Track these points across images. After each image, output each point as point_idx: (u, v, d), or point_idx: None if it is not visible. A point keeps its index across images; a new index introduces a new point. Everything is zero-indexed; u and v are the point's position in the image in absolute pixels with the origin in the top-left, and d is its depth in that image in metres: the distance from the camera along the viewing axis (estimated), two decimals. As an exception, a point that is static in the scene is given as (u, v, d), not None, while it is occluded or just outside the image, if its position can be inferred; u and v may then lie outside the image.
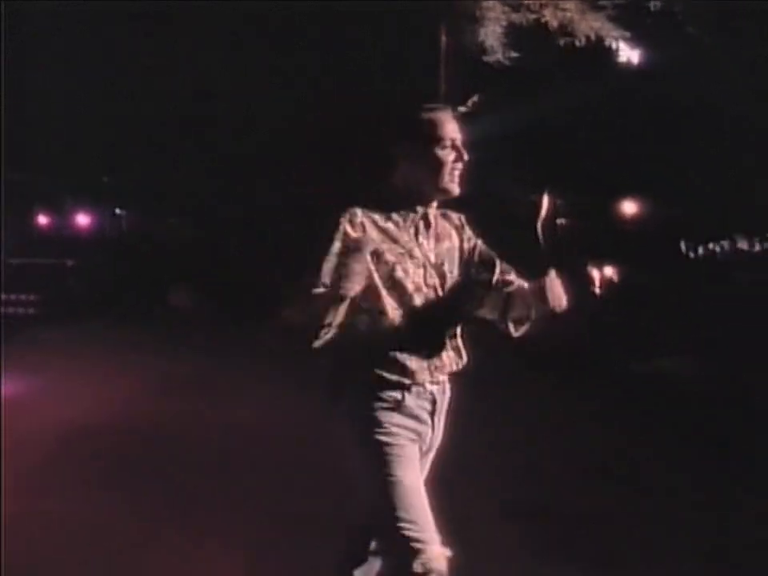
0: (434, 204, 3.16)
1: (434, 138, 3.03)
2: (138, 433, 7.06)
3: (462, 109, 18.89)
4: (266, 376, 9.46)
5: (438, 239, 3.15)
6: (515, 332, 3.26)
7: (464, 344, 3.21)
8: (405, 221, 3.06)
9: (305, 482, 5.81)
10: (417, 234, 3.08)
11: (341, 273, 2.86)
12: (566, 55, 17.46)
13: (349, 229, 2.97)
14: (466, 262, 3.24)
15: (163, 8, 15.11)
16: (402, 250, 3.05)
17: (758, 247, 19.07)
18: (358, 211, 3.00)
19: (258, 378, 9.39)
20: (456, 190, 3.11)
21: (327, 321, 2.90)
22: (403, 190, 3.06)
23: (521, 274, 3.31)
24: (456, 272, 3.20)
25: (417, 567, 2.92)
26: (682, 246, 18.84)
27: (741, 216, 20.78)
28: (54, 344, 11.35)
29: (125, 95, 15.77)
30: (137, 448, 6.61)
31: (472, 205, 3.30)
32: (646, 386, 8.71)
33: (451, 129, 3.06)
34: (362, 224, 3.00)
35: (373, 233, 3.00)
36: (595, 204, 23.59)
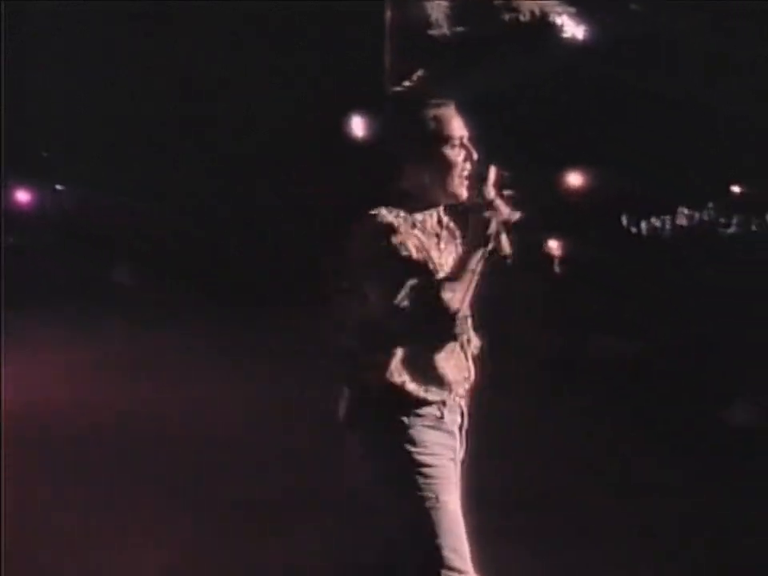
0: (442, 207, 3.04)
1: (441, 136, 2.84)
2: (80, 413, 6.99)
3: (406, 84, 18.97)
4: (214, 354, 9.45)
5: (448, 243, 3.03)
6: None
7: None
8: (425, 225, 2.96)
9: (259, 461, 5.82)
10: (438, 238, 2.98)
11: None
12: (511, 30, 17.44)
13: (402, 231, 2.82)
14: None
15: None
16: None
17: (700, 222, 19.25)
18: (392, 214, 2.86)
19: (206, 357, 9.37)
20: (465, 192, 2.98)
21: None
22: (412, 194, 2.95)
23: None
24: None
25: None
26: (624, 220, 18.95)
27: (684, 191, 20.98)
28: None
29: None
30: (81, 429, 6.56)
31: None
32: (587, 368, 8.79)
33: (458, 126, 2.95)
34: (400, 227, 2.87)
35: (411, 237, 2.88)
36: (541, 176, 23.72)
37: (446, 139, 2.91)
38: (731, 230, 17.21)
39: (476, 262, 2.89)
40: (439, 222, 2.96)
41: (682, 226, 17.64)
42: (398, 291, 2.81)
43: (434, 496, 2.80)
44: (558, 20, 17.50)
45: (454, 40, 17.77)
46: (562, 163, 24.90)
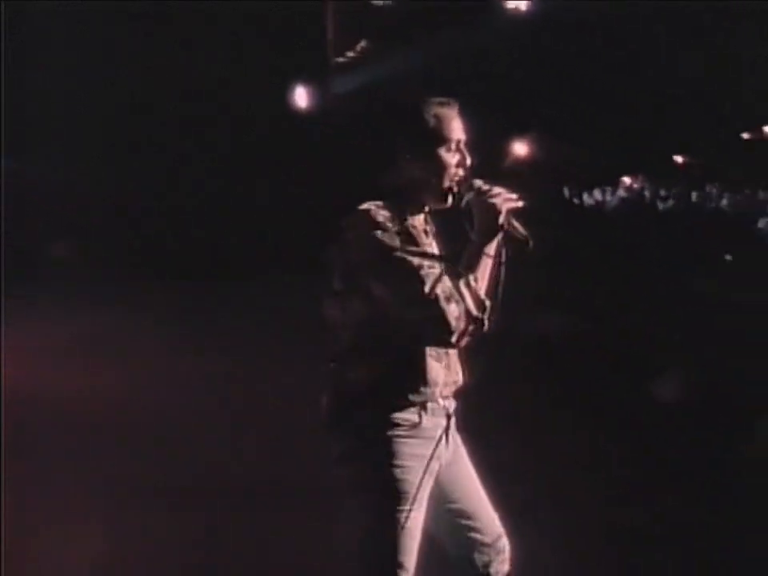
0: (428, 207, 2.90)
1: (440, 136, 2.77)
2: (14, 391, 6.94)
3: (350, 55, 18.89)
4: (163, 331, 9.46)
5: (434, 241, 2.91)
6: None
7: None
8: (414, 222, 2.80)
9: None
10: (426, 235, 2.84)
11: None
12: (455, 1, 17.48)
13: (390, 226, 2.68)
14: None
15: None
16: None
17: (644, 193, 19.49)
18: (383, 209, 2.74)
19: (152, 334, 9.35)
20: (452, 196, 2.77)
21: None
22: (403, 190, 2.79)
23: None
24: None
25: None
26: (565, 191, 19.12)
27: (627, 161, 21.23)
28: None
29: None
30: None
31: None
32: (531, 347, 8.80)
33: (458, 128, 2.80)
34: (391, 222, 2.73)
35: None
36: (489, 142, 23.80)
37: (444, 140, 2.75)
38: (670, 201, 17.44)
39: (494, 250, 2.79)
40: (425, 220, 2.85)
41: (622, 198, 17.85)
42: (416, 283, 2.64)
43: (394, 510, 2.76)
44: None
45: (397, 11, 17.74)
46: (506, 133, 25.05)
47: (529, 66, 21.87)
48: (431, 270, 2.67)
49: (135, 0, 15.08)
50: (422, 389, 2.77)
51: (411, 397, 2.77)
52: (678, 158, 23.36)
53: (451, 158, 2.78)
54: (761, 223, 12.90)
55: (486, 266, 2.76)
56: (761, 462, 5.53)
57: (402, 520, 2.75)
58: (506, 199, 2.74)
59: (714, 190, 17.37)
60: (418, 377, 2.77)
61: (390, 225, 2.69)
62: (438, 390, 2.81)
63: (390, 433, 2.75)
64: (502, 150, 24.25)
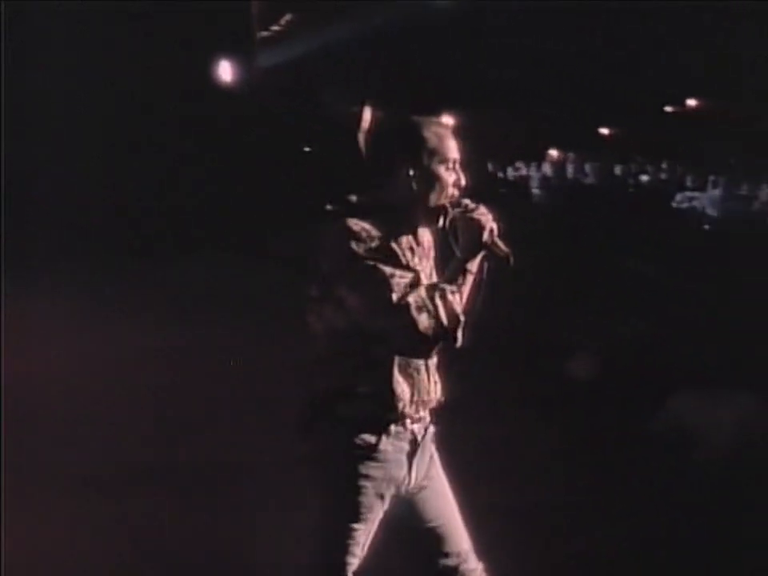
0: (420, 224, 2.85)
1: (439, 155, 2.82)
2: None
3: (275, 28, 18.80)
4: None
5: (422, 259, 2.91)
6: None
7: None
8: (400, 238, 2.81)
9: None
10: (412, 253, 2.83)
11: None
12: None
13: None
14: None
15: None
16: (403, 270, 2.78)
17: (569, 167, 19.68)
18: (363, 222, 2.76)
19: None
20: (443, 216, 2.83)
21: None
22: (395, 206, 2.83)
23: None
24: None
25: None
26: (489, 166, 19.25)
27: (553, 135, 21.44)
28: None
29: None
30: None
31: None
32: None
33: (454, 147, 2.85)
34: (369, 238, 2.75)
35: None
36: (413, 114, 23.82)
37: (443, 158, 2.80)
38: (594, 175, 17.64)
39: (476, 267, 2.83)
40: (415, 238, 2.86)
41: (548, 172, 18.01)
42: (386, 291, 2.67)
43: (342, 522, 2.81)
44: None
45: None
46: (437, 103, 25.13)
47: (455, 39, 21.93)
48: (402, 279, 2.70)
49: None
50: (387, 406, 2.80)
51: (374, 414, 2.78)
52: (604, 131, 23.67)
53: (449, 177, 2.83)
54: (678, 197, 13.14)
55: (466, 282, 2.81)
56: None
57: (347, 533, 2.80)
58: (490, 216, 2.81)
59: (636, 165, 17.64)
60: (383, 392, 2.79)
61: (367, 237, 2.73)
62: (404, 410, 2.81)
63: (347, 450, 2.78)
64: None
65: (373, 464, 2.79)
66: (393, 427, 2.80)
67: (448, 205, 2.83)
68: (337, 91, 22.34)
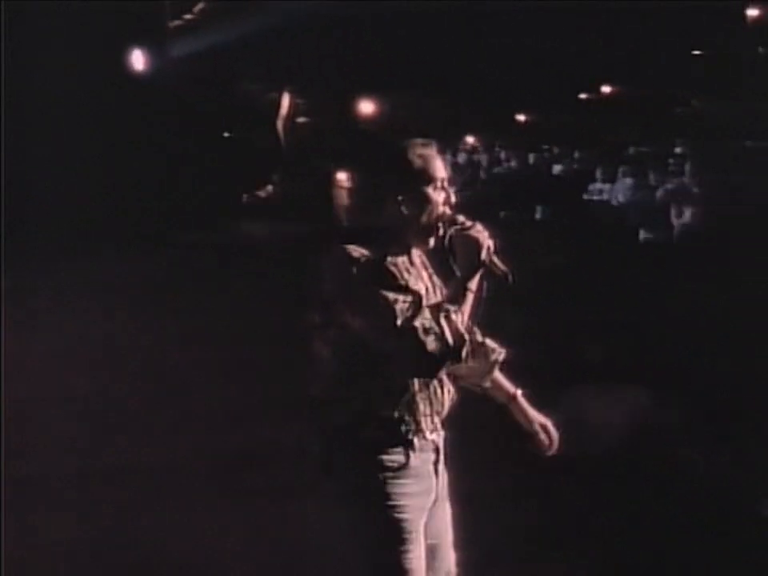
0: (414, 245, 2.91)
1: (427, 176, 2.86)
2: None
3: (187, 17, 18.61)
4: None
5: (418, 280, 2.86)
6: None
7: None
8: (395, 260, 2.85)
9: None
10: (408, 273, 2.87)
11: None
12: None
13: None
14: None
15: None
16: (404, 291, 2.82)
17: (483, 154, 19.75)
18: (362, 246, 2.79)
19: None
20: (436, 235, 2.89)
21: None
22: (387, 229, 2.87)
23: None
24: None
25: None
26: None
27: (469, 121, 21.53)
28: None
29: None
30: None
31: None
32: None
33: (440, 167, 2.90)
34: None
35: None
36: (333, 103, 23.80)
37: (430, 179, 2.85)
38: (508, 163, 17.76)
39: (476, 285, 2.84)
40: (409, 259, 2.90)
41: (458, 163, 18.06)
42: (391, 316, 2.70)
43: (397, 549, 2.81)
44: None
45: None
46: (356, 88, 25.10)
47: (373, 25, 21.91)
48: (406, 302, 2.72)
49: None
50: (409, 424, 2.83)
51: (398, 434, 2.82)
52: (521, 117, 23.83)
53: (438, 196, 2.86)
54: (591, 188, 13.27)
55: (467, 301, 2.83)
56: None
57: (404, 560, 2.80)
58: (486, 235, 2.84)
59: (550, 153, 17.78)
60: (406, 412, 2.83)
61: (366, 261, 2.75)
62: (424, 423, 2.86)
63: (380, 475, 2.80)
64: (348, 108, 24.32)
65: (409, 481, 2.83)
66: (416, 441, 2.84)
67: (440, 223, 2.87)
68: (254, 79, 22.22)
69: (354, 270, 2.75)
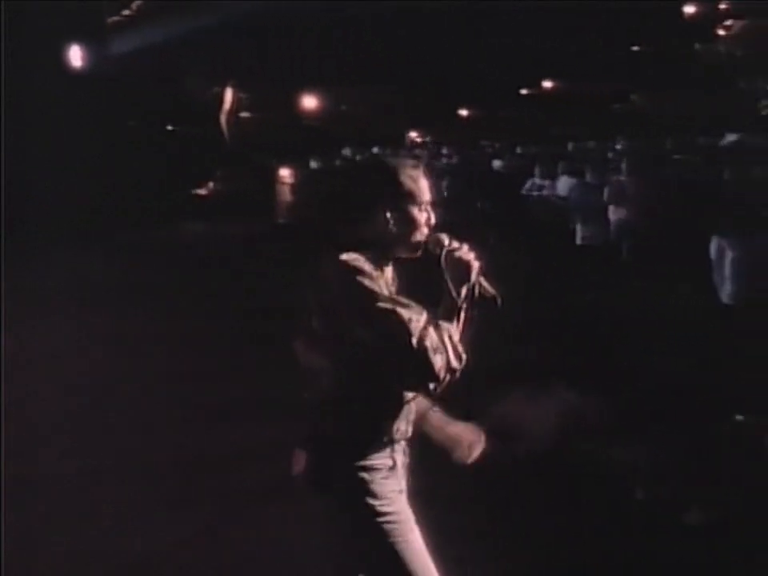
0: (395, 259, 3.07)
1: (414, 196, 3.01)
2: None
3: (126, 12, 18.41)
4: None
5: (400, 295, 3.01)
6: None
7: None
8: (387, 273, 3.02)
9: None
10: (389, 287, 3.02)
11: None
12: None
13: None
14: None
15: None
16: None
17: (425, 150, 19.78)
18: (362, 259, 2.93)
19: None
20: (419, 251, 3.04)
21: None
22: (375, 243, 3.01)
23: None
24: None
25: None
26: (348, 151, 19.30)
27: (411, 117, 21.57)
28: None
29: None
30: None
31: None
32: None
33: (426, 190, 3.05)
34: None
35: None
36: (276, 98, 23.71)
37: (418, 200, 3.01)
38: (448, 159, 17.78)
39: (467, 305, 3.00)
40: (389, 273, 3.06)
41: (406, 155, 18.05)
42: (405, 335, 2.83)
43: (401, 539, 3.00)
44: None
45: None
46: (299, 83, 25.03)
47: (316, 21, 21.86)
48: (418, 322, 2.85)
49: None
50: (396, 431, 3.02)
51: (386, 440, 3.00)
52: (463, 112, 23.89)
53: (422, 217, 3.01)
54: (527, 184, 13.29)
55: (461, 320, 2.98)
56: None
57: (410, 544, 2.99)
58: (473, 256, 3.00)
59: (491, 148, 17.83)
60: (396, 420, 3.01)
61: (374, 273, 2.89)
62: (402, 433, 3.05)
63: (375, 477, 2.98)
64: (289, 104, 24.26)
65: (393, 481, 3.04)
66: (396, 445, 3.05)
67: (422, 241, 3.02)
68: (196, 74, 22.06)
69: (366, 282, 2.87)
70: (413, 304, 2.91)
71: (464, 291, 2.98)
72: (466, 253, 3.00)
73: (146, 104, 18.88)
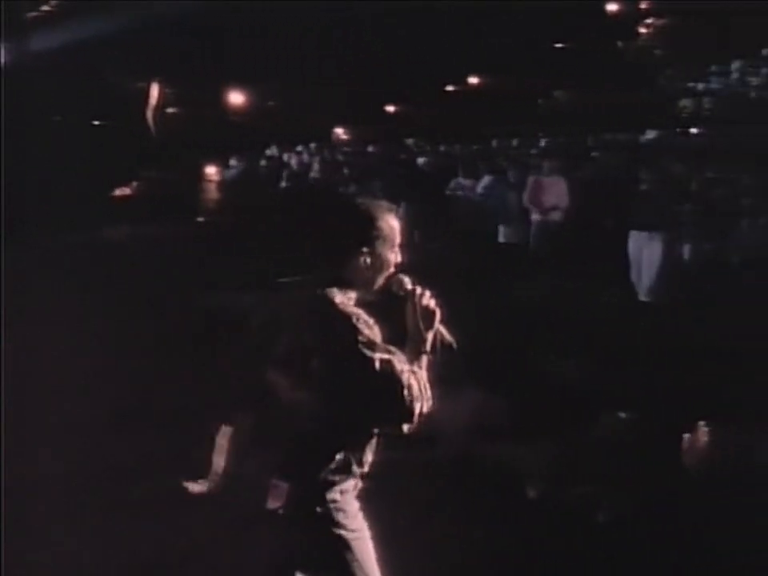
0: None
1: (390, 241, 3.12)
2: None
3: (44, 8, 18.14)
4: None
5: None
6: None
7: None
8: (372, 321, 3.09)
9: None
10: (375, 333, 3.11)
11: None
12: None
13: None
14: None
15: None
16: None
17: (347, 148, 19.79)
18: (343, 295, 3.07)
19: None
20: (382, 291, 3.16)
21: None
22: (352, 282, 3.11)
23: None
24: None
25: None
26: (274, 150, 19.27)
27: (337, 113, 21.55)
28: None
29: None
30: None
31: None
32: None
33: (399, 232, 3.15)
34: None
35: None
36: (203, 94, 23.55)
37: (392, 245, 3.13)
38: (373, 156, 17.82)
39: (430, 349, 3.15)
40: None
41: (325, 158, 18.04)
42: (401, 389, 2.98)
43: (360, 552, 3.17)
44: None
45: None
46: (224, 79, 24.86)
47: (241, 17, 21.74)
48: (406, 372, 3.00)
49: None
50: (365, 462, 3.16)
51: (354, 469, 3.14)
52: (389, 108, 23.92)
53: (394, 258, 3.15)
54: (453, 183, 13.37)
55: (425, 362, 3.12)
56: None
57: (368, 555, 3.18)
58: (434, 302, 3.12)
59: (416, 146, 17.91)
60: (365, 452, 3.15)
61: (369, 320, 3.02)
62: (370, 460, 3.18)
63: (341, 498, 3.13)
64: (216, 100, 24.10)
65: (357, 501, 3.19)
66: (361, 471, 3.18)
67: (399, 288, 3.14)
68: (120, 70, 21.82)
69: (365, 333, 3.00)
70: (398, 351, 3.05)
71: (429, 337, 3.11)
72: (429, 299, 3.11)
73: (70, 99, 18.64)
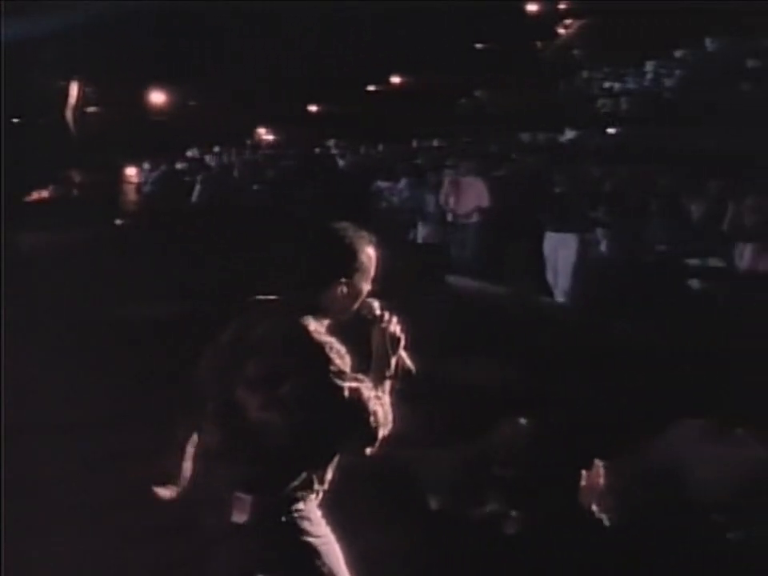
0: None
1: (367, 273, 3.17)
2: None
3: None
4: None
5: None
6: None
7: None
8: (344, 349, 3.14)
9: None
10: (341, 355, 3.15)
11: None
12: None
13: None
14: None
15: None
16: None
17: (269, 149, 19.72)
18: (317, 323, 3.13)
19: None
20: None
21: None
22: (328, 309, 3.16)
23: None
24: None
25: None
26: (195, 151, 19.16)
27: (260, 114, 21.45)
28: None
29: None
30: None
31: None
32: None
33: (375, 263, 3.21)
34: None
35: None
36: (123, 93, 23.33)
37: (369, 276, 3.19)
38: (296, 159, 17.80)
39: (393, 373, 3.24)
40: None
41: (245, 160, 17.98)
42: (368, 417, 3.06)
43: (327, 562, 3.24)
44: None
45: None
46: (145, 78, 24.65)
47: (165, 18, 21.59)
48: (372, 399, 3.07)
49: None
50: (327, 480, 3.24)
51: (316, 486, 3.22)
52: (311, 108, 23.90)
53: (367, 287, 3.20)
54: (371, 184, 13.41)
55: (388, 387, 3.20)
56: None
57: (337, 561, 3.27)
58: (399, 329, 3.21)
59: (337, 147, 17.89)
60: (327, 470, 3.23)
61: (341, 349, 3.07)
62: (331, 477, 3.27)
63: (305, 507, 3.19)
64: (136, 100, 23.88)
65: (319, 510, 3.26)
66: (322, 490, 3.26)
67: (369, 315, 3.22)
68: (41, 67, 21.51)
69: (337, 363, 3.05)
70: (365, 378, 3.12)
71: (393, 363, 3.19)
72: (395, 325, 3.19)
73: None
